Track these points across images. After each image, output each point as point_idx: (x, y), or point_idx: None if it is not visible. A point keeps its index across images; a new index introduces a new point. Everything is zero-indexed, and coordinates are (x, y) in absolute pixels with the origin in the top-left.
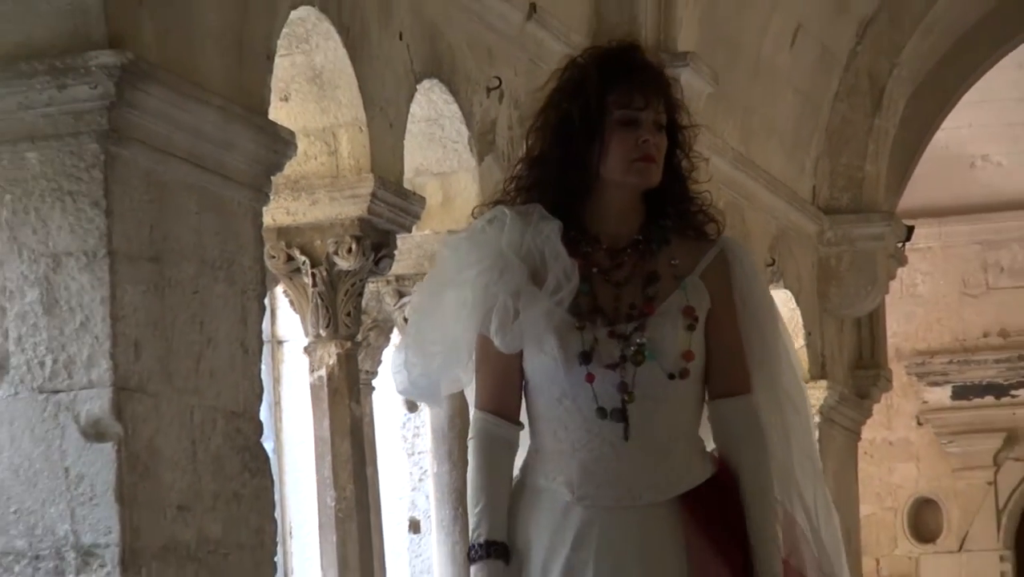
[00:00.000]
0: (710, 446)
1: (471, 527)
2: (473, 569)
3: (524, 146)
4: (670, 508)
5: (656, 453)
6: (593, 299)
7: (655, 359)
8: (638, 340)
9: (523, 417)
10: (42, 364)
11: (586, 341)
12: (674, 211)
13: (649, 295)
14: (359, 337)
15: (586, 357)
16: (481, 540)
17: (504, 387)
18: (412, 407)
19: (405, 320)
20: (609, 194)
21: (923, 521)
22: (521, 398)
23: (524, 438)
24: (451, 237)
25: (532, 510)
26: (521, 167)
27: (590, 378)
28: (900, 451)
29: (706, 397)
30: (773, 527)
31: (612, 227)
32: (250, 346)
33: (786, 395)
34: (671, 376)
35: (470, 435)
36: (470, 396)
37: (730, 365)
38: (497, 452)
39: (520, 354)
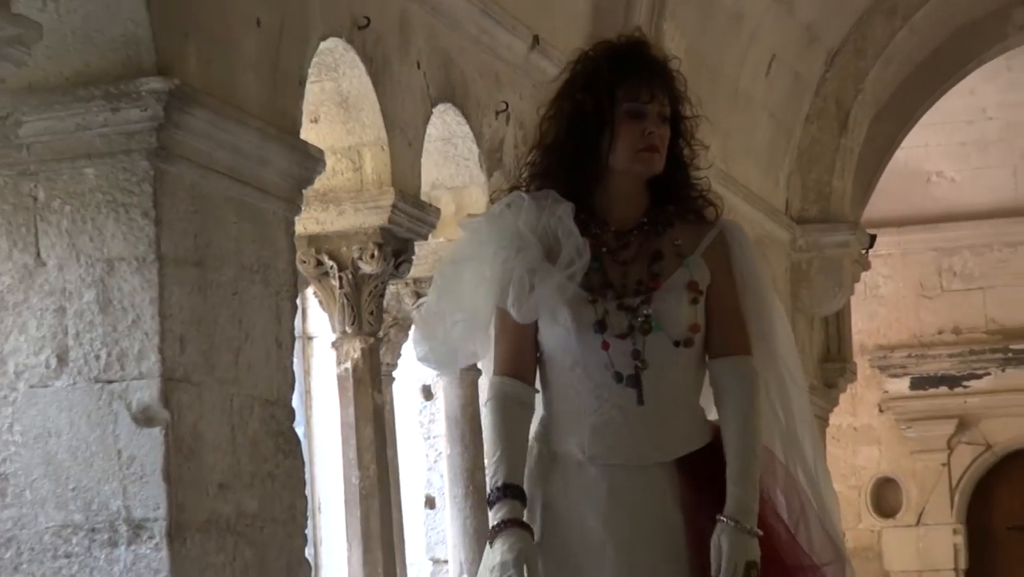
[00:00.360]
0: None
1: (489, 476)
2: (492, 510)
3: (538, 134)
4: (670, 469)
5: (662, 417)
6: (603, 275)
7: (662, 329)
8: (645, 312)
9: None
10: (98, 357)
11: (598, 312)
12: (676, 196)
13: (655, 272)
14: (381, 333)
15: (601, 326)
16: (499, 484)
17: (520, 354)
18: (428, 395)
19: None
20: (616, 180)
21: (884, 498)
22: (535, 365)
23: (537, 408)
24: (470, 219)
25: (547, 471)
26: (535, 154)
27: (606, 346)
28: (864, 435)
29: (707, 360)
30: (753, 466)
31: (619, 211)
32: (283, 341)
33: (784, 366)
34: (676, 344)
35: (488, 397)
36: (486, 367)
37: (730, 328)
38: (512, 408)
39: (535, 325)
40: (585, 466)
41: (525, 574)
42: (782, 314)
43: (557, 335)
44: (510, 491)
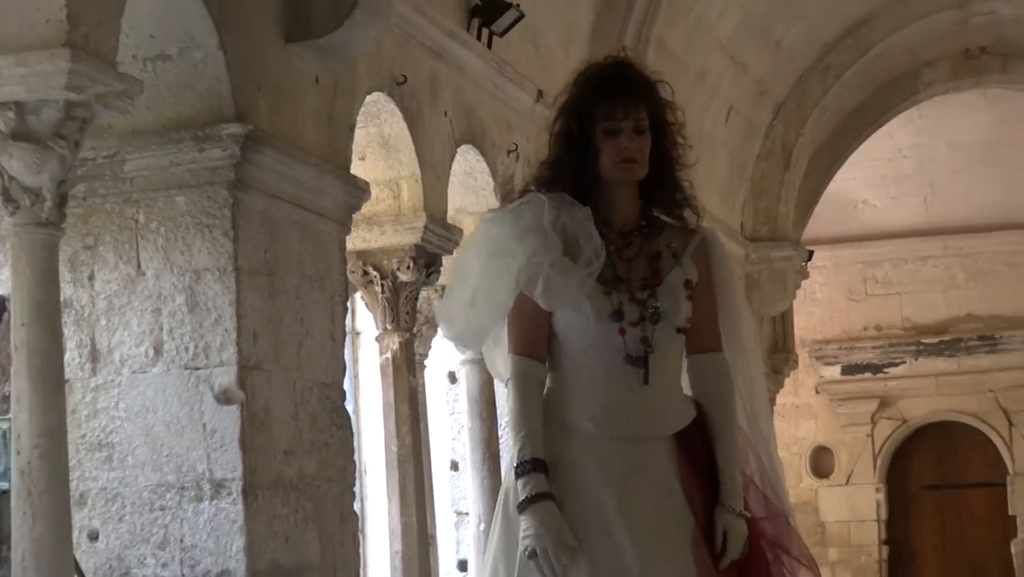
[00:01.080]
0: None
1: (516, 448)
2: (521, 481)
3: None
4: (669, 441)
5: (661, 396)
6: (614, 271)
7: (668, 319)
8: (654, 304)
9: None
10: (187, 349)
11: (614, 303)
12: (660, 197)
13: (656, 269)
14: (414, 330)
15: (618, 315)
16: (527, 457)
17: (537, 336)
18: (452, 380)
19: None
20: (609, 187)
21: (820, 463)
22: (547, 345)
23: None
24: (492, 214)
25: (563, 441)
26: (541, 168)
27: (623, 332)
28: (803, 412)
29: (686, 354)
30: (736, 452)
31: (618, 213)
32: (336, 336)
33: (750, 353)
34: (679, 330)
35: (511, 374)
36: (502, 343)
37: (708, 327)
38: (532, 388)
39: (550, 313)
40: (597, 438)
41: (556, 552)
42: (749, 313)
43: (575, 321)
44: (538, 465)
